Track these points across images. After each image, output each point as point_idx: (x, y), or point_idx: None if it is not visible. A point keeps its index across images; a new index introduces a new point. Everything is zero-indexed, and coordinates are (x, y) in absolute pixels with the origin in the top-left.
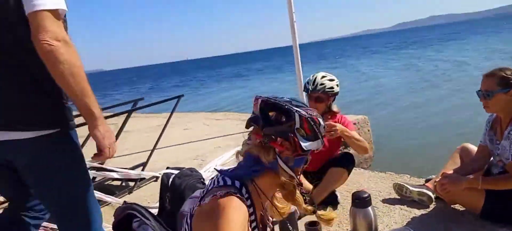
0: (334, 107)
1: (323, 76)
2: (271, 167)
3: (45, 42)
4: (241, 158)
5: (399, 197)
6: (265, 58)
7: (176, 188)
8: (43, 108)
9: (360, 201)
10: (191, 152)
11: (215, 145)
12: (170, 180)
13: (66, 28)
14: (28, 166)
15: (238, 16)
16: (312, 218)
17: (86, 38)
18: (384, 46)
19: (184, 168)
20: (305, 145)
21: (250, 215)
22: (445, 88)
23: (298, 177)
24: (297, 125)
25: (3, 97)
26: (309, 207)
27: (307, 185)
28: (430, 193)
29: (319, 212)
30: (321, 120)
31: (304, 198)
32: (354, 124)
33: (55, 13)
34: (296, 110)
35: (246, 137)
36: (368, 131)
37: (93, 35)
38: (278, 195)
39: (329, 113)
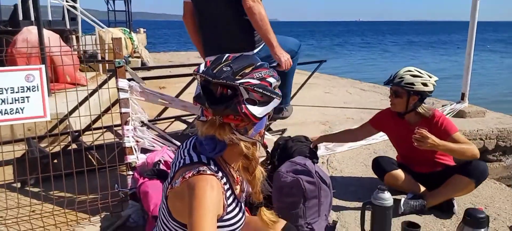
0: (422, 108)
1: (408, 71)
2: (230, 140)
3: (247, 2)
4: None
5: None
6: (439, 31)
7: (287, 148)
8: (249, 38)
9: (472, 219)
10: (322, 116)
11: (348, 115)
12: (285, 140)
13: None
14: None
15: None
16: (407, 218)
17: None
18: None
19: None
20: (258, 113)
21: (224, 185)
22: None
23: (261, 138)
24: (245, 95)
25: (231, 31)
26: (260, 196)
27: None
28: None
29: (263, 210)
30: (272, 78)
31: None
32: None
33: None
34: (240, 84)
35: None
36: None
37: None
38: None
39: (414, 114)
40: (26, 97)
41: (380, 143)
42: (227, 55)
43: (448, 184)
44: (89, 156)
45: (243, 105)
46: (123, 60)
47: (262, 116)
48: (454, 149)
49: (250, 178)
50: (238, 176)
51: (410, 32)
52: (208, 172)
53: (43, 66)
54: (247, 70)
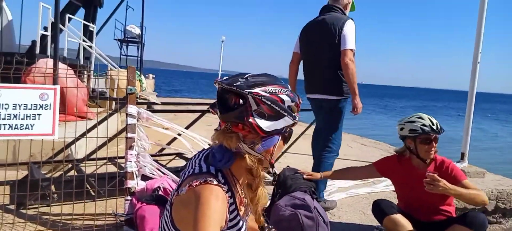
0: None
1: (431, 118)
2: (237, 151)
3: (344, 61)
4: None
5: None
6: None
7: (288, 186)
8: (339, 86)
9: None
10: None
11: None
12: (285, 178)
13: (354, 55)
14: (330, 110)
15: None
16: None
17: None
18: None
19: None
20: (266, 126)
21: (229, 198)
22: None
23: (271, 157)
24: (254, 107)
25: (327, 77)
26: (261, 219)
27: (315, 175)
28: None
29: None
30: (285, 96)
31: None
32: None
33: (352, 50)
34: (248, 92)
35: None
36: None
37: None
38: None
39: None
40: (37, 114)
41: (380, 193)
42: (250, 73)
43: None
44: (88, 185)
45: (250, 116)
46: (135, 88)
47: (270, 130)
48: (464, 194)
49: (252, 195)
50: (243, 198)
51: (410, 97)
52: (215, 182)
53: (58, 86)
54: (261, 85)
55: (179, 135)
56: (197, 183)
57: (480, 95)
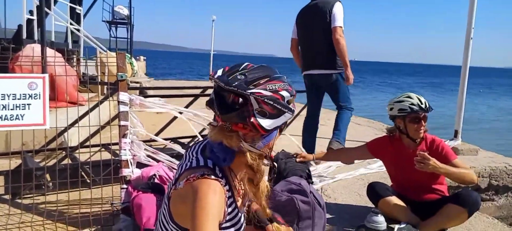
0: None
1: (418, 96)
2: (238, 149)
3: (335, 37)
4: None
5: None
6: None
7: (281, 170)
8: (333, 60)
9: None
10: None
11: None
12: (278, 161)
13: (342, 31)
14: (329, 86)
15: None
16: None
17: None
18: None
19: (294, 155)
20: (267, 125)
21: (227, 191)
22: None
23: (270, 151)
24: (256, 106)
25: (323, 52)
26: (268, 211)
27: (308, 156)
28: None
29: (275, 225)
30: (285, 92)
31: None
32: None
33: (342, 27)
34: (251, 93)
35: None
36: None
37: None
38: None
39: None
40: (27, 104)
41: (375, 174)
42: (246, 64)
43: (441, 214)
44: (83, 173)
45: (252, 116)
46: (126, 74)
47: (271, 128)
48: (454, 173)
49: (254, 190)
50: (240, 189)
51: (403, 73)
52: (212, 176)
53: (46, 75)
54: (261, 81)
55: (181, 113)
56: (194, 177)
57: (474, 69)
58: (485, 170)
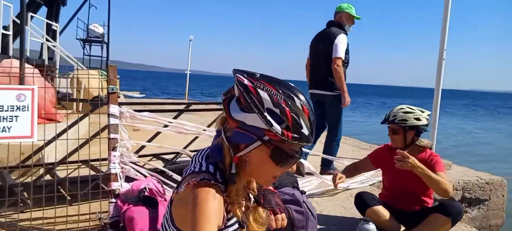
0: (420, 142)
1: (400, 108)
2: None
3: (333, 66)
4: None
5: None
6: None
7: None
8: (332, 84)
9: None
10: None
11: (316, 164)
12: None
13: (343, 62)
14: (327, 106)
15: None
16: None
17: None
18: None
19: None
20: (234, 112)
21: (226, 197)
22: None
23: (235, 155)
24: (236, 93)
25: (324, 76)
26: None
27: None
28: None
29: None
30: (266, 94)
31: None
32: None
33: (341, 58)
34: (236, 76)
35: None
36: (503, 196)
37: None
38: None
39: (414, 148)
40: (14, 116)
41: (358, 189)
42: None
43: (426, 223)
44: (65, 189)
45: (226, 99)
46: (116, 87)
47: (237, 120)
48: (430, 176)
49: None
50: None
51: (374, 94)
52: (212, 181)
53: (35, 87)
54: (263, 80)
55: (166, 126)
56: (194, 182)
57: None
58: (458, 183)
